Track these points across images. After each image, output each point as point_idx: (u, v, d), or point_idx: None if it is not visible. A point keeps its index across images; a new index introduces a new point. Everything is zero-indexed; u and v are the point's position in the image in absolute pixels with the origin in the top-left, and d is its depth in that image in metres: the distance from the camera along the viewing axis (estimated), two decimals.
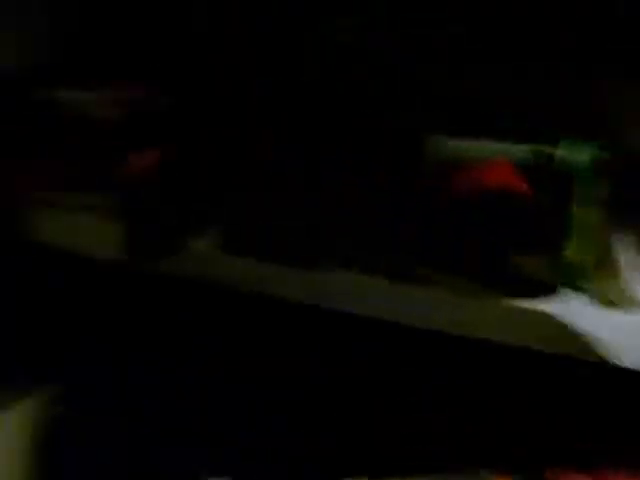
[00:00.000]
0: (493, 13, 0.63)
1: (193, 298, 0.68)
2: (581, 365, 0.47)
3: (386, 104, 0.54)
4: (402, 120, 0.54)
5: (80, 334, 0.72)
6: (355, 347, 0.68)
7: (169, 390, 0.66)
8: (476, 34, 0.63)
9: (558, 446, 0.60)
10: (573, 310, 0.47)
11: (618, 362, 0.45)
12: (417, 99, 0.56)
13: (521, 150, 0.49)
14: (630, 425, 0.60)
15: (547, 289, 0.49)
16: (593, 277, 0.49)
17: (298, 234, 0.55)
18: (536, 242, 0.48)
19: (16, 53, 0.66)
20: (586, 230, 0.48)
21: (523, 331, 0.47)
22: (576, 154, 0.48)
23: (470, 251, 0.49)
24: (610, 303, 0.48)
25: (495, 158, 0.49)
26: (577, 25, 0.63)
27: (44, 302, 0.72)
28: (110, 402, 0.65)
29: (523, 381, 0.64)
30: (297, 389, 0.66)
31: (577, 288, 0.49)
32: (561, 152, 0.48)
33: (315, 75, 0.56)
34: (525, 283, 0.48)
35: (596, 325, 0.46)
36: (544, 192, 0.47)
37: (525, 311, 0.47)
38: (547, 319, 0.47)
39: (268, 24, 0.61)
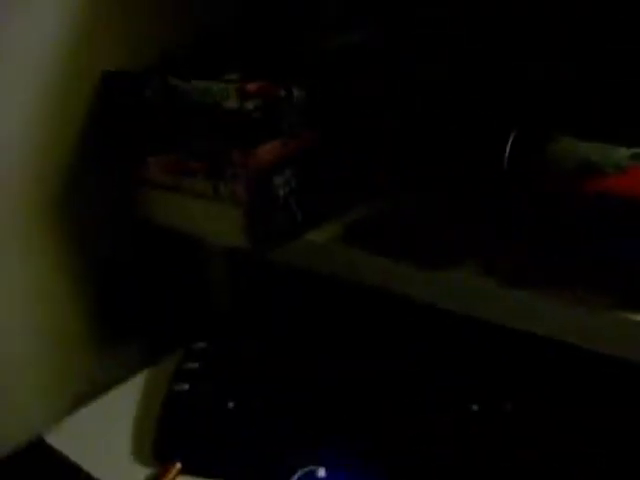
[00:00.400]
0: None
1: (309, 288, 0.70)
2: None
3: (514, 105, 0.53)
4: (528, 122, 0.53)
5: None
6: (471, 350, 0.67)
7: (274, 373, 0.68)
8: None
9: None
10: None
11: None
12: (546, 101, 0.55)
13: None
14: None
15: None
16: None
17: (424, 232, 0.55)
18: None
19: (157, 45, 0.69)
20: None
21: None
22: None
23: (601, 262, 0.48)
24: None
25: (628, 164, 0.47)
26: None
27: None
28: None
29: None
30: (408, 384, 0.66)
31: None
32: None
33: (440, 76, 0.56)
34: None
35: None
36: None
37: None
38: None
39: None
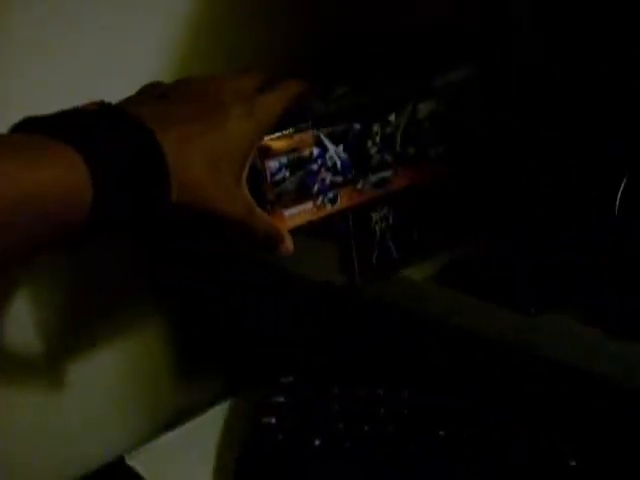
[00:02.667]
0: None
1: (399, 325, 0.69)
2: None
3: (627, 149, 0.52)
4: None
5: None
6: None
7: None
8: None
9: None
10: None
11: None
12: None
13: None
14: None
15: None
16: None
17: (516, 277, 0.54)
18: None
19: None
20: None
21: None
22: None
23: None
24: None
25: None
26: None
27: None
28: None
29: None
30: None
31: None
32: None
33: None
34: None
35: None
36: None
37: None
38: None
39: None
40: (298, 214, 0.52)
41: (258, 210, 0.46)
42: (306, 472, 0.61)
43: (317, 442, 0.62)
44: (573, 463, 0.58)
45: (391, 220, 0.58)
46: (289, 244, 0.49)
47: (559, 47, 0.60)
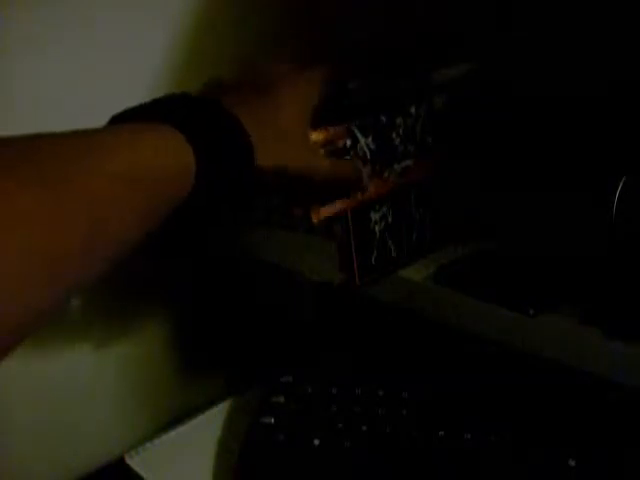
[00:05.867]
0: None
1: (398, 325, 0.69)
2: None
3: (627, 148, 0.52)
4: None
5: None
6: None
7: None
8: None
9: None
10: None
11: None
12: None
13: None
14: None
15: None
16: None
17: (516, 277, 0.54)
18: None
19: None
20: None
21: None
22: None
23: None
24: None
25: None
26: None
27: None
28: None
29: None
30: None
31: None
32: None
33: None
34: None
35: None
36: None
37: None
38: None
39: None
40: (333, 204, 0.53)
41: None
42: (305, 472, 0.61)
43: (316, 442, 0.62)
44: (573, 463, 0.58)
45: (390, 220, 0.58)
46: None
47: (559, 47, 0.60)
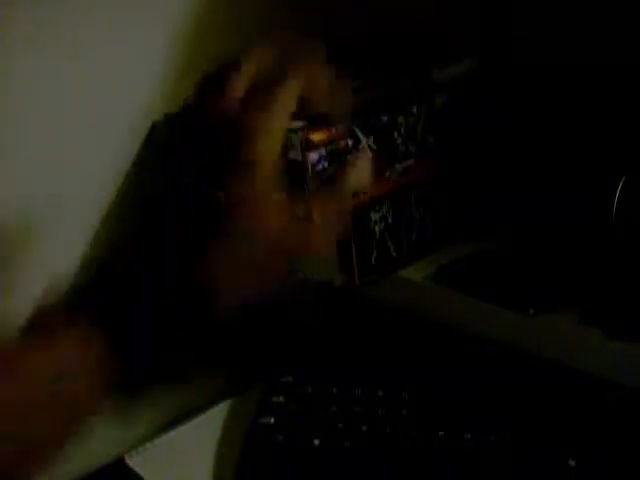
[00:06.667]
0: None
1: (398, 325, 0.69)
2: None
3: (627, 148, 0.52)
4: None
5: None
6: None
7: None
8: None
9: None
10: None
11: None
12: None
13: None
14: None
15: None
16: None
17: (516, 277, 0.54)
18: None
19: None
20: None
21: None
22: None
23: None
24: None
25: None
26: None
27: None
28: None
29: None
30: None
31: None
32: None
33: None
34: None
35: None
36: None
37: None
38: None
39: None
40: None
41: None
42: (305, 472, 0.61)
43: (316, 442, 0.62)
44: (573, 463, 0.58)
45: (390, 220, 0.58)
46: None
47: (558, 46, 0.60)
